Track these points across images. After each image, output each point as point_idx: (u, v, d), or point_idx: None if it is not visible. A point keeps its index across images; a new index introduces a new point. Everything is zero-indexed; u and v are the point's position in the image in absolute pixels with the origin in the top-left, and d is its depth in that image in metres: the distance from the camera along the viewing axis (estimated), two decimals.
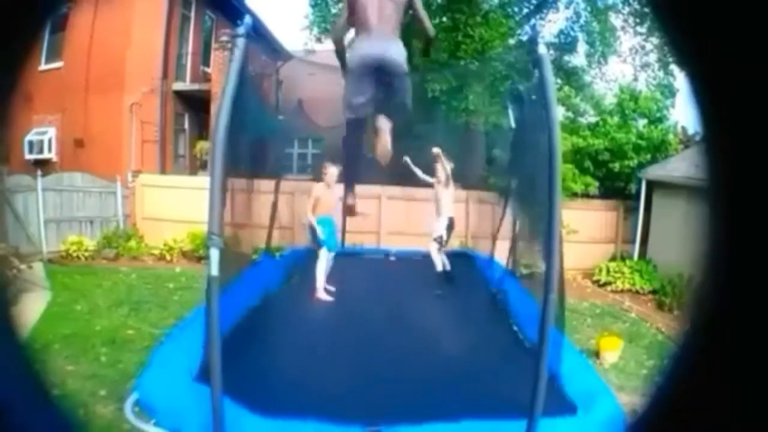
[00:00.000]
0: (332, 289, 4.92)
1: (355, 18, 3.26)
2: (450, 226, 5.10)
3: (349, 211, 4.24)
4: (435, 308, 4.69)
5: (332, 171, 4.75)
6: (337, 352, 3.68)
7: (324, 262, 4.73)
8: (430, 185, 5.32)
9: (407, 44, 3.42)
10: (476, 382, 3.23)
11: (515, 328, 4.45)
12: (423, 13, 3.29)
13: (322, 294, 4.64)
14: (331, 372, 3.33)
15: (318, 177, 5.09)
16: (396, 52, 3.21)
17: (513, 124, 5.43)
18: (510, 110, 5.66)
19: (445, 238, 4.94)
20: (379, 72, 3.19)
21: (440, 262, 4.90)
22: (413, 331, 4.08)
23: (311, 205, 4.79)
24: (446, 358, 3.62)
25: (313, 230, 4.76)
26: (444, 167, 5.01)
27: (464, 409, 2.88)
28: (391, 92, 3.27)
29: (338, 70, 3.75)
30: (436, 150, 5.08)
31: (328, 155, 6.11)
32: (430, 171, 5.29)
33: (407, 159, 5.30)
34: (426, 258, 5.19)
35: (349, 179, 3.67)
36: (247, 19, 2.91)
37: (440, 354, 3.70)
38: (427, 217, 5.34)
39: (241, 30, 2.84)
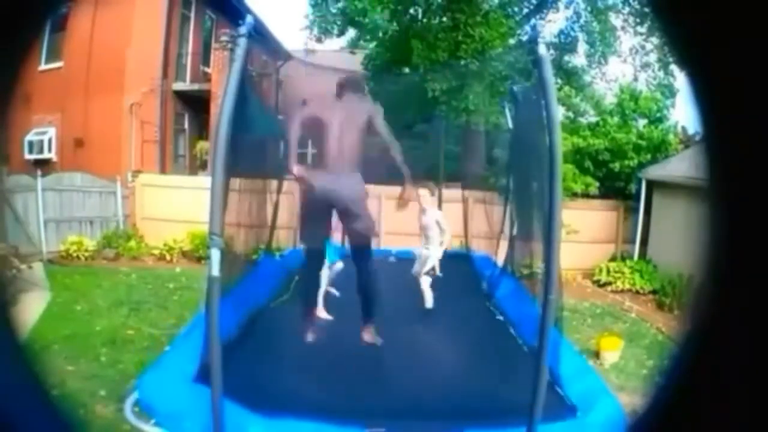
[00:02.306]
0: (337, 294, 4.86)
1: (316, 143, 3.26)
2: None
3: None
4: (434, 311, 4.67)
5: None
6: (336, 355, 3.67)
7: (324, 281, 4.60)
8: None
9: (407, 44, 3.43)
10: (476, 385, 3.22)
11: (512, 330, 4.44)
12: (382, 128, 3.26)
13: (321, 312, 4.55)
14: (330, 375, 3.33)
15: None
16: (351, 187, 3.17)
17: (510, 125, 5.43)
18: (507, 110, 5.66)
19: (438, 269, 4.68)
20: (334, 205, 3.21)
21: (431, 298, 4.52)
22: (412, 334, 4.07)
23: None
24: (445, 361, 3.61)
25: None
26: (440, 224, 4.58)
27: (463, 413, 2.87)
28: (349, 225, 3.27)
29: (338, 70, 3.74)
30: (424, 191, 4.51)
31: None
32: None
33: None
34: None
35: (310, 305, 3.62)
36: (249, 18, 2.90)
37: (439, 358, 3.70)
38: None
39: (243, 30, 2.84)
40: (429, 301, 4.57)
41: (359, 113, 3.22)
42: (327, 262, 4.61)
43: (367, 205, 3.35)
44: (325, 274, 4.60)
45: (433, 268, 4.56)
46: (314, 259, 3.49)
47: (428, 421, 2.84)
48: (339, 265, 4.71)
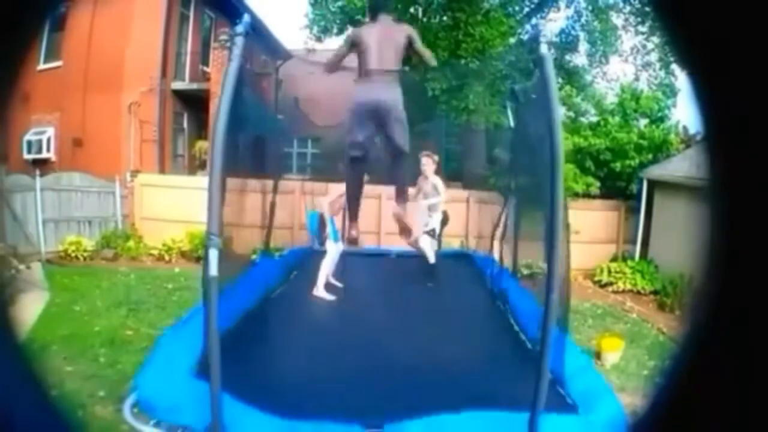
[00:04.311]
0: (339, 285, 4.87)
1: (358, 60, 3.60)
2: (444, 221, 5.08)
3: (352, 242, 4.46)
4: (435, 307, 4.66)
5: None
6: (337, 350, 3.66)
7: (331, 258, 4.65)
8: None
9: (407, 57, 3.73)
10: (477, 380, 3.21)
11: (516, 327, 4.43)
12: (423, 49, 3.68)
13: (321, 292, 4.55)
14: (331, 369, 3.31)
15: (319, 176, 5.04)
16: (391, 97, 3.53)
17: (512, 124, 5.41)
18: (509, 110, 5.64)
19: (437, 231, 4.90)
20: (376, 114, 3.53)
21: (432, 254, 4.78)
22: (413, 329, 4.05)
23: (330, 201, 4.72)
24: (446, 356, 3.60)
25: (324, 224, 4.70)
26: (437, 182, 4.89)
27: (464, 407, 2.86)
28: (388, 133, 3.60)
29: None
30: (427, 159, 4.94)
31: (327, 154, 6.10)
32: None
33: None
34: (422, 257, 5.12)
35: (352, 212, 3.96)
36: (246, 17, 2.89)
37: (441, 352, 3.69)
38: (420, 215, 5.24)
39: (239, 28, 2.82)
40: (432, 258, 4.78)
41: (397, 32, 3.60)
42: (332, 240, 4.64)
43: (404, 115, 3.66)
44: (331, 256, 4.60)
45: (432, 230, 4.77)
46: (359, 164, 3.75)
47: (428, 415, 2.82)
48: (341, 246, 4.77)
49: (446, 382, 3.20)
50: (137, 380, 3.33)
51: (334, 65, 3.80)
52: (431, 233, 4.80)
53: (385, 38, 3.53)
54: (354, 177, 3.81)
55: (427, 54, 3.69)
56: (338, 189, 4.81)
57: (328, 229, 4.64)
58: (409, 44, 3.56)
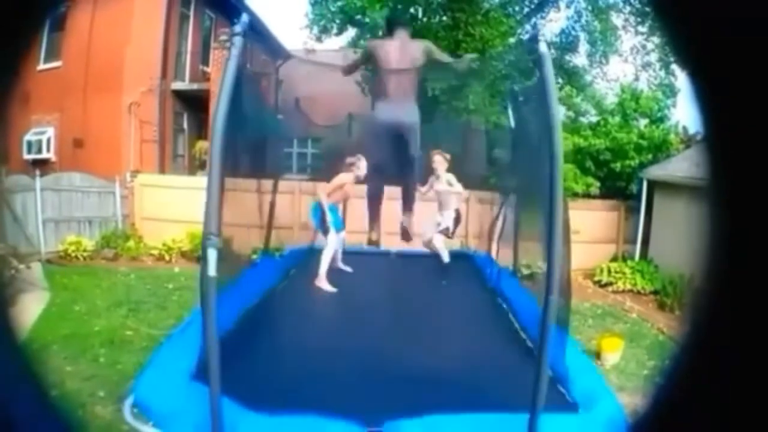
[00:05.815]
0: (349, 269, 4.88)
1: (375, 84, 4.04)
2: (457, 219, 5.07)
3: (372, 244, 4.71)
4: (435, 305, 4.66)
5: (364, 164, 4.48)
6: (336, 348, 3.66)
7: (332, 249, 4.62)
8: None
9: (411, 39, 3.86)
10: (477, 379, 3.21)
11: (516, 326, 4.43)
12: (442, 56, 4.02)
13: (323, 283, 4.50)
14: (330, 368, 3.31)
15: (319, 176, 5.03)
16: (410, 114, 3.82)
17: (513, 124, 5.41)
18: (510, 110, 5.64)
19: (451, 230, 4.91)
20: (396, 132, 3.83)
21: (446, 254, 4.81)
22: (413, 327, 4.06)
23: (330, 190, 4.65)
24: (447, 354, 3.60)
25: (323, 215, 4.66)
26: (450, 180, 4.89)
27: (465, 406, 2.86)
28: (404, 145, 3.90)
29: (338, 68, 3.94)
30: (439, 157, 4.96)
31: (327, 154, 6.11)
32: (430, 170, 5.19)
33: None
34: (426, 258, 5.13)
35: (372, 216, 4.23)
36: (244, 17, 2.89)
37: (441, 351, 3.69)
38: (427, 216, 5.24)
39: (238, 28, 2.82)
40: (445, 257, 4.86)
41: (415, 49, 3.79)
42: (333, 228, 4.62)
43: (418, 127, 3.99)
44: (332, 246, 4.59)
45: (447, 228, 4.83)
46: (378, 172, 4.05)
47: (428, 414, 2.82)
48: (343, 235, 4.83)
49: (446, 382, 3.21)
50: (136, 385, 3.34)
51: (351, 69, 4.20)
52: (445, 232, 4.83)
53: (404, 56, 3.73)
54: (374, 183, 4.08)
55: (446, 58, 4.01)
56: (340, 178, 4.78)
57: (329, 218, 4.59)
58: (428, 58, 3.79)
